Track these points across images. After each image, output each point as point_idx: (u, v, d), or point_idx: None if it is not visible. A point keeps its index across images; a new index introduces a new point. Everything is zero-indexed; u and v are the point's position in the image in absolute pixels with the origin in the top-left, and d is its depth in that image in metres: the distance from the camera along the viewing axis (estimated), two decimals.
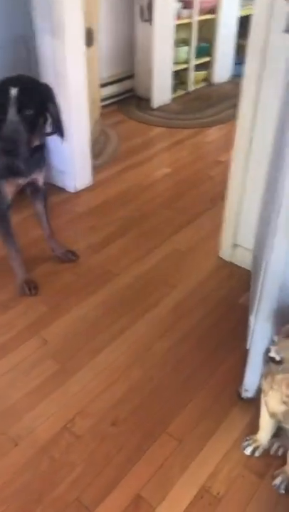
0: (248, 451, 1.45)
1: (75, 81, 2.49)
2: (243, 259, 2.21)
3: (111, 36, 3.72)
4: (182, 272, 2.20)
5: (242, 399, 1.60)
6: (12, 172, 1.80)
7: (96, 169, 2.91)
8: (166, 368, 1.73)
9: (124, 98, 4.00)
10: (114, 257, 2.28)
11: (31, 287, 2.02)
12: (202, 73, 4.44)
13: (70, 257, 2.21)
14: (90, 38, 2.73)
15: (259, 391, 1.47)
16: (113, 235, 2.43)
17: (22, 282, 2.03)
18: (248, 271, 2.16)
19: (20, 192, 1.93)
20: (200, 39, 4.23)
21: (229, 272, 2.21)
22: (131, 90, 4.07)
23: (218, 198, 2.63)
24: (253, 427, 1.49)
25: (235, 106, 1.99)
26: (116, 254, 2.30)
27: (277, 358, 1.08)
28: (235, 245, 2.23)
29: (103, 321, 1.93)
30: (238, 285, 2.13)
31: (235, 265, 2.24)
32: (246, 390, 1.58)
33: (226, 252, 2.28)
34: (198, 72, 4.37)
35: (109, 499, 1.34)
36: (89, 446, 1.47)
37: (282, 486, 1.36)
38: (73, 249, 2.27)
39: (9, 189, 1.84)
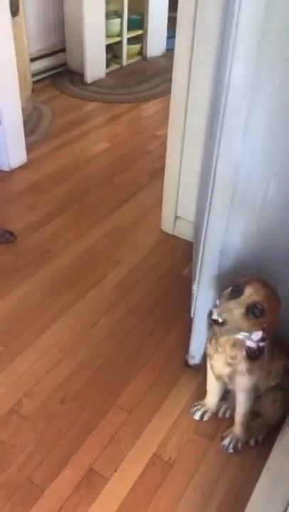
0: (196, 416, 1.48)
1: (1, 54, 2.36)
2: (185, 231, 2.23)
3: (38, 6, 3.56)
4: (125, 248, 2.19)
5: (189, 366, 1.63)
6: None
7: (30, 146, 2.81)
8: (113, 343, 1.72)
9: (57, 73, 3.87)
10: (53, 235, 2.23)
11: None
12: (135, 47, 4.37)
13: (7, 237, 2.13)
14: (15, 7, 2.60)
15: (205, 357, 1.50)
16: (51, 213, 2.37)
17: None
18: (191, 243, 2.18)
19: None
20: (131, 11, 4.14)
21: (172, 245, 2.22)
22: (63, 64, 3.94)
23: (157, 172, 2.62)
24: (201, 393, 1.52)
25: (170, 80, 1.97)
26: (56, 233, 2.24)
27: (220, 320, 1.09)
28: (177, 218, 2.24)
29: (46, 300, 1.88)
30: (181, 257, 2.14)
31: (178, 238, 2.26)
32: (193, 357, 1.60)
33: (168, 225, 2.29)
34: (131, 46, 4.29)
35: (62, 476, 1.33)
36: (38, 427, 1.45)
37: (231, 446, 1.40)
38: (10, 229, 2.18)
39: None
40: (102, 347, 1.71)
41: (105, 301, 1.90)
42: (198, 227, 1.83)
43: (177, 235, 2.27)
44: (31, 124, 3.07)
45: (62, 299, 1.89)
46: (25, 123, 2.77)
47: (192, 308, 1.54)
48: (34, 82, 3.39)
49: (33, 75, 3.44)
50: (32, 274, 2.00)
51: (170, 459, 1.39)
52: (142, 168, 2.78)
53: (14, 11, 2.56)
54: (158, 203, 2.31)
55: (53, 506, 1.26)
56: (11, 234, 2.15)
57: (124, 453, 1.39)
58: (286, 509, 1.14)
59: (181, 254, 2.16)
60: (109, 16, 3.90)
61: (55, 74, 3.85)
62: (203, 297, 1.42)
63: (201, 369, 1.56)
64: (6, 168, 2.65)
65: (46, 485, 1.30)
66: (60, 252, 2.13)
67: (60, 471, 1.34)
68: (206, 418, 1.48)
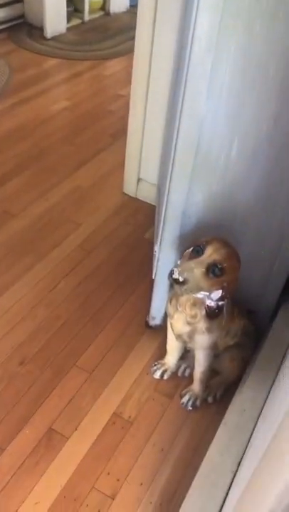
0: (156, 374, 1.50)
1: None
2: (147, 194, 2.20)
3: None
4: (86, 209, 2.14)
5: (150, 327, 1.64)
6: None
7: None
8: (74, 305, 1.71)
9: (14, 25, 3.66)
10: (11, 196, 2.15)
11: None
12: (98, 1, 4.17)
13: None
14: None
15: (165, 318, 1.51)
16: (9, 173, 2.28)
17: None
18: (153, 206, 2.16)
19: None
20: None
21: (134, 208, 2.19)
22: (21, 16, 3.73)
23: (119, 132, 2.56)
24: (161, 353, 1.53)
25: (134, 38, 1.89)
26: (13, 194, 2.17)
27: (181, 279, 1.09)
28: (139, 180, 2.21)
29: (4, 263, 1.83)
30: (143, 220, 2.12)
31: (140, 201, 2.23)
32: (153, 318, 1.61)
33: (130, 188, 2.25)
34: (94, 0, 4.10)
35: (21, 435, 1.32)
36: None
37: (190, 403, 1.43)
38: None
39: None
40: (63, 309, 1.69)
41: (65, 263, 1.87)
42: (160, 188, 1.81)
43: (140, 198, 2.24)
44: None
45: (21, 261, 1.85)
46: None
47: (153, 270, 1.54)
48: None
49: None
50: None
51: (130, 417, 1.41)
52: (104, 129, 2.71)
53: None
54: (120, 164, 2.26)
55: (12, 464, 1.26)
56: None
57: (85, 412, 1.40)
58: (240, 462, 1.19)
59: (144, 217, 2.14)
60: None
61: (11, 26, 3.64)
62: (165, 258, 1.42)
63: (161, 330, 1.58)
64: None
65: (5, 444, 1.30)
66: (18, 213, 2.06)
67: (19, 431, 1.33)
68: (165, 377, 1.50)
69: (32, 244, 1.93)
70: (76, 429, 1.36)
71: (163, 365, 1.51)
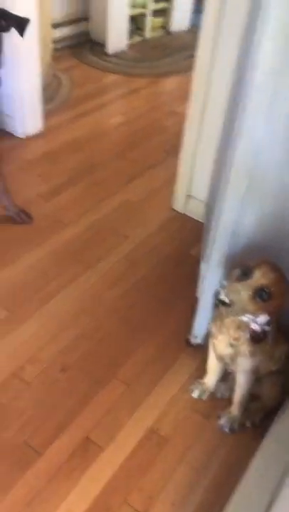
0: (195, 394, 1.49)
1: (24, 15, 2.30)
2: (196, 210, 2.21)
3: None
4: (134, 223, 2.17)
5: (190, 345, 1.63)
6: None
7: (47, 115, 2.77)
8: (116, 317, 1.73)
9: (78, 42, 3.80)
10: (64, 206, 2.22)
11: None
12: (160, 20, 4.27)
13: (23, 218, 2.07)
14: None
15: (207, 337, 1.50)
16: (64, 184, 2.35)
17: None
18: (201, 223, 2.16)
19: None
20: None
21: (182, 224, 2.21)
22: (85, 34, 3.86)
23: (172, 149, 2.58)
24: (201, 372, 1.52)
25: (193, 56, 1.92)
26: (66, 204, 2.23)
27: (227, 301, 1.09)
28: (188, 197, 2.22)
29: (53, 270, 1.88)
30: (190, 236, 2.13)
31: (188, 217, 2.24)
32: (195, 337, 1.61)
33: (179, 204, 2.27)
34: (155, 19, 4.20)
35: (58, 442, 1.35)
36: (38, 392, 1.46)
37: (227, 426, 1.41)
38: (21, 197, 2.17)
39: None
40: (105, 319, 1.71)
41: (110, 274, 1.90)
42: (210, 206, 1.81)
43: (188, 214, 2.25)
44: (49, 91, 3.03)
45: (69, 269, 1.89)
46: (44, 90, 2.73)
47: (198, 288, 1.54)
48: (55, 50, 3.33)
49: (54, 42, 3.38)
50: (41, 243, 2.00)
51: (166, 434, 1.40)
52: (158, 144, 2.74)
53: None
54: (170, 180, 2.28)
55: (48, 470, 1.29)
56: (28, 215, 2.08)
57: (121, 425, 1.41)
58: (275, 492, 1.16)
59: (190, 234, 2.14)
60: None
61: (76, 43, 3.78)
62: (211, 277, 1.41)
63: (201, 349, 1.57)
64: (22, 135, 2.62)
65: (43, 450, 1.33)
66: (69, 223, 2.12)
67: (56, 438, 1.36)
68: (204, 397, 1.49)
69: (80, 253, 1.97)
70: (112, 441, 1.37)
71: (202, 384, 1.50)
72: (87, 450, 1.34)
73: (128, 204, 2.28)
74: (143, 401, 1.47)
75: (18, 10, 2.25)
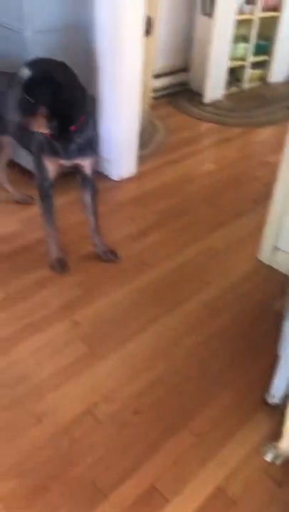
0: (268, 457, 1.43)
1: (130, 70, 2.48)
2: (282, 263, 2.17)
3: (169, 27, 3.69)
4: (218, 270, 2.18)
5: (267, 404, 1.57)
6: (52, 150, 1.81)
7: (141, 159, 2.90)
8: (193, 364, 1.72)
9: (176, 91, 3.97)
10: (151, 248, 2.28)
11: (62, 265, 2.07)
12: (258, 72, 4.35)
13: (110, 257, 2.15)
14: (148, 27, 2.72)
15: (285, 398, 1.44)
16: (152, 226, 2.43)
17: (54, 260, 2.07)
18: (287, 276, 2.11)
19: (69, 176, 1.96)
20: (259, 36, 4.14)
21: (267, 276, 2.17)
22: (184, 84, 4.04)
23: (261, 199, 2.58)
24: (276, 434, 1.46)
25: None
26: (153, 246, 2.29)
27: None
28: (275, 248, 2.19)
29: (134, 310, 1.93)
30: (274, 290, 2.08)
31: (274, 269, 2.20)
32: (272, 396, 1.55)
33: (265, 255, 2.24)
34: (254, 71, 4.29)
35: (125, 486, 1.35)
36: (109, 432, 1.48)
37: None
38: (111, 237, 2.27)
39: (51, 167, 1.86)
40: (182, 366, 1.71)
41: (190, 320, 1.90)
42: None
43: (273, 266, 2.21)
44: (145, 137, 3.18)
45: (150, 311, 1.93)
46: (140, 136, 2.88)
47: (279, 346, 1.49)
48: (153, 98, 3.51)
49: (154, 91, 3.57)
50: (125, 282, 2.06)
51: (234, 495, 1.35)
52: (246, 194, 2.75)
53: (147, 30, 2.68)
54: (257, 230, 2.27)
55: None
56: (115, 254, 2.16)
57: (188, 478, 1.38)
58: None
59: (275, 287, 2.10)
60: (236, 39, 3.93)
61: (174, 92, 3.96)
62: None
63: (279, 410, 1.51)
64: (116, 178, 2.76)
65: (109, 492, 1.33)
66: (154, 264, 2.17)
67: (123, 481, 1.35)
68: (278, 462, 1.42)
69: (161, 296, 2.01)
70: (178, 494, 1.34)
71: (277, 448, 1.43)
72: (152, 499, 1.33)
73: (213, 251, 2.29)
74: (213, 456, 1.44)
75: (126, 63, 2.44)
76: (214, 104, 3.85)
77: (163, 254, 2.24)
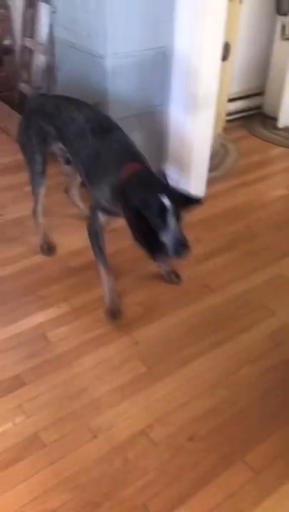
0: None
1: (206, 94, 2.51)
2: None
3: (246, 51, 3.69)
4: (284, 300, 2.11)
5: None
6: (115, 213, 1.78)
7: (210, 182, 2.90)
8: (254, 395, 1.67)
9: (251, 115, 3.95)
10: (215, 272, 2.26)
11: (117, 314, 1.94)
12: None
13: (172, 278, 2.14)
14: (226, 53, 2.74)
15: None
16: (217, 249, 2.41)
17: (108, 307, 1.96)
18: None
19: None
20: None
21: None
22: (258, 107, 4.01)
23: None
24: None
25: None
26: (217, 270, 2.27)
27: None
28: None
29: (195, 333, 1.91)
30: None
31: None
32: None
33: None
34: None
35: None
36: (163, 456, 1.47)
37: None
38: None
39: (105, 218, 1.86)
40: (242, 395, 1.66)
41: (253, 349, 1.85)
42: None
43: None
44: (216, 160, 3.18)
45: (211, 336, 1.90)
46: (211, 159, 2.88)
47: None
48: (226, 121, 3.51)
49: (227, 115, 3.57)
50: (186, 304, 2.05)
51: None
52: None
53: (225, 55, 2.71)
54: None
55: None
56: (177, 276, 2.15)
57: None
58: None
59: None
60: None
61: (248, 115, 3.93)
62: None
63: None
64: None
65: None
66: (217, 289, 2.15)
67: (175, 509, 1.33)
68: None
69: (223, 322, 1.97)
70: None
71: None
72: None
73: (281, 279, 2.23)
74: (269, 495, 1.37)
75: (202, 87, 2.47)
76: (288, 129, 3.78)
77: (228, 279, 2.21)
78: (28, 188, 2.24)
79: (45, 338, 1.86)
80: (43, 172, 2.10)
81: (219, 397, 1.65)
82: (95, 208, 1.86)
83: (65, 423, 1.55)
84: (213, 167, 3.04)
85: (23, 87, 3.44)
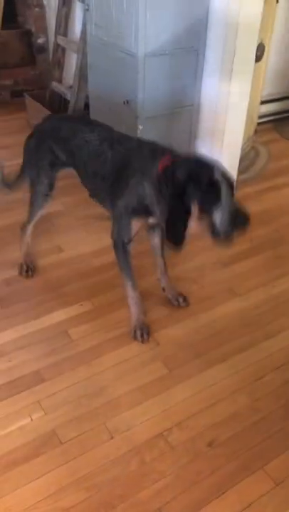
0: None
1: (237, 96, 2.46)
2: None
3: (280, 53, 3.62)
4: None
5: None
6: (147, 211, 1.65)
7: (239, 184, 2.85)
8: (277, 403, 1.62)
9: (283, 117, 3.87)
10: (241, 276, 2.21)
11: (144, 333, 1.84)
12: None
13: (180, 302, 2.01)
14: (259, 54, 2.69)
15: None
16: (244, 253, 2.36)
17: (135, 325, 1.86)
18: None
19: None
20: None
21: None
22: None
23: None
24: None
25: None
26: (243, 274, 2.22)
27: None
28: None
29: (218, 338, 1.87)
30: None
31: None
32: None
33: None
34: None
35: None
36: (181, 460, 1.43)
37: None
38: (201, 259, 2.24)
39: (136, 225, 1.73)
40: (264, 403, 1.62)
41: (278, 356, 1.80)
42: None
43: None
44: (246, 162, 3.13)
45: (234, 341, 1.86)
46: (240, 161, 2.83)
47: None
48: (258, 124, 3.45)
49: (259, 117, 3.51)
50: (210, 308, 2.01)
51: None
52: None
53: (259, 56, 2.66)
54: None
55: None
56: (185, 299, 2.02)
57: None
58: None
59: None
60: None
61: (279, 118, 3.86)
62: None
63: None
64: None
65: None
66: (242, 293, 2.10)
67: None
68: None
69: (247, 327, 1.92)
70: None
71: None
72: None
73: None
74: None
75: (234, 88, 2.43)
76: None
77: (254, 284, 2.15)
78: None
79: (66, 335, 1.86)
80: (48, 196, 2.02)
81: (241, 404, 1.61)
82: (123, 214, 1.71)
83: (83, 422, 1.53)
84: (241, 170, 2.99)
85: (55, 85, 3.46)
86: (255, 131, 3.39)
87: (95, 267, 2.22)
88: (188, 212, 1.46)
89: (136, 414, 1.56)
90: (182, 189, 1.45)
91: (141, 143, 1.76)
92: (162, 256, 1.97)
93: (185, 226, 1.48)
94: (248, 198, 2.82)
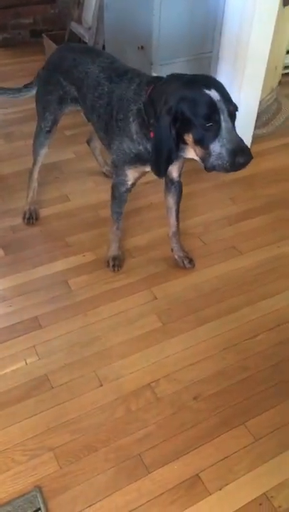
0: None
1: (256, 44, 2.32)
2: None
3: None
4: None
5: None
6: (142, 159, 1.62)
7: (257, 139, 2.75)
8: (265, 363, 1.64)
9: None
10: (246, 234, 2.18)
11: (116, 264, 1.96)
12: None
13: (186, 264, 1.98)
14: None
15: None
16: (253, 210, 2.31)
17: (111, 256, 1.97)
18: None
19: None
20: None
21: None
22: None
23: None
24: None
25: None
26: (248, 232, 2.19)
27: None
28: None
29: (215, 296, 1.88)
30: None
31: None
32: None
33: None
34: None
35: (168, 468, 1.35)
36: (165, 411, 1.49)
37: None
38: (206, 216, 2.22)
39: (133, 175, 1.71)
40: (253, 362, 1.64)
41: (272, 317, 1.80)
42: None
43: None
44: (266, 116, 3.01)
45: (231, 299, 1.86)
46: (261, 114, 2.72)
47: None
48: (283, 75, 3.28)
49: (285, 67, 3.33)
50: (210, 265, 2.01)
51: (280, 507, 1.29)
52: None
53: (286, 0, 2.48)
54: None
55: (151, 491, 1.30)
56: (190, 261, 1.99)
57: (235, 477, 1.34)
58: None
59: None
60: None
61: None
62: None
63: None
64: None
65: (152, 469, 1.35)
66: (244, 252, 2.08)
67: (168, 463, 1.36)
68: None
69: (246, 286, 1.92)
70: (220, 490, 1.31)
71: None
72: (193, 488, 1.32)
73: None
74: (265, 462, 1.38)
75: (255, 33, 2.29)
76: None
77: (257, 243, 2.13)
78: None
79: (66, 285, 1.89)
80: (49, 132, 1.98)
81: (230, 361, 1.64)
82: (120, 163, 1.68)
83: (75, 369, 1.59)
84: (261, 124, 2.88)
85: (74, 26, 3.33)
86: (280, 83, 3.23)
87: (101, 218, 2.22)
88: (176, 143, 1.40)
89: (126, 365, 1.61)
90: (172, 115, 1.34)
91: (133, 73, 1.65)
92: (177, 217, 1.94)
93: (170, 157, 1.43)
94: (264, 153, 2.73)
